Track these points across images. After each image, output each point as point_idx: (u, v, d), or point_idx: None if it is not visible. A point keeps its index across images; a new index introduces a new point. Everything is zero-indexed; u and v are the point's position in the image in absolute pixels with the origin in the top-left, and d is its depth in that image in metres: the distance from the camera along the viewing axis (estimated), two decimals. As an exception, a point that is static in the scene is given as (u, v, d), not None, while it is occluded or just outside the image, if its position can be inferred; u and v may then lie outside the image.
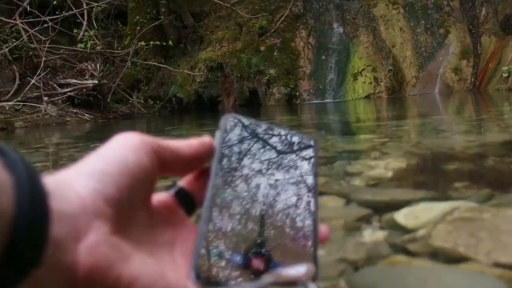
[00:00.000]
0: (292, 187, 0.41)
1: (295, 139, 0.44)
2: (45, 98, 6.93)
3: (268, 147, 0.43)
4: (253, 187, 0.39)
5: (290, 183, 0.41)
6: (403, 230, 0.83)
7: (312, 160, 0.43)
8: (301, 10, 10.20)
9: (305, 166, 0.42)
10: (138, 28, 8.56)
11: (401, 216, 0.89)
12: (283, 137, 0.44)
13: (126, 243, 0.32)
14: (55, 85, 7.26)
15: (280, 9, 10.01)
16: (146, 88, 9.08)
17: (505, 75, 8.69)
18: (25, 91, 6.86)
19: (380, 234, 0.82)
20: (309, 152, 0.43)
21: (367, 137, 2.52)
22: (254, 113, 6.49)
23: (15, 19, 7.20)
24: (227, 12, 9.89)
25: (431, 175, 1.40)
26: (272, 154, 0.42)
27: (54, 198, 0.29)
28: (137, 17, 9.16)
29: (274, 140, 0.44)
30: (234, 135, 0.42)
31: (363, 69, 9.82)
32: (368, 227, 0.86)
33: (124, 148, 0.34)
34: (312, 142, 0.44)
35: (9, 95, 6.83)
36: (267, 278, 0.31)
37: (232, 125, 0.42)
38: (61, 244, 0.28)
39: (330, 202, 1.06)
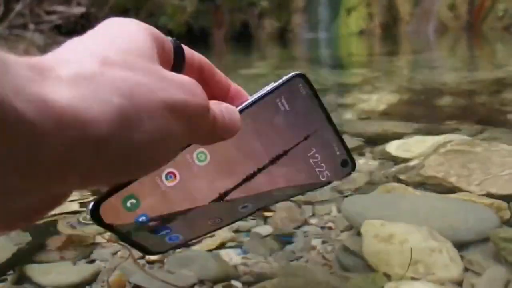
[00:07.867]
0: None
1: None
2: (31, 26, 6.76)
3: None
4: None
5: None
6: (396, 160, 0.84)
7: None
8: None
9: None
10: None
11: (394, 148, 0.90)
12: None
13: None
14: (40, 13, 7.06)
15: None
16: (136, 17, 8.86)
17: (500, 13, 8.56)
18: (10, 18, 6.67)
19: (373, 164, 0.82)
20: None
21: (359, 71, 2.50)
22: (246, 46, 6.39)
23: None
24: None
25: (424, 110, 1.40)
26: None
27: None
28: None
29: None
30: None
31: (357, 4, 9.61)
32: (360, 158, 0.86)
33: (142, 36, 0.26)
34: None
35: (-6, 21, 6.64)
36: None
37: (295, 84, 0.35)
38: None
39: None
